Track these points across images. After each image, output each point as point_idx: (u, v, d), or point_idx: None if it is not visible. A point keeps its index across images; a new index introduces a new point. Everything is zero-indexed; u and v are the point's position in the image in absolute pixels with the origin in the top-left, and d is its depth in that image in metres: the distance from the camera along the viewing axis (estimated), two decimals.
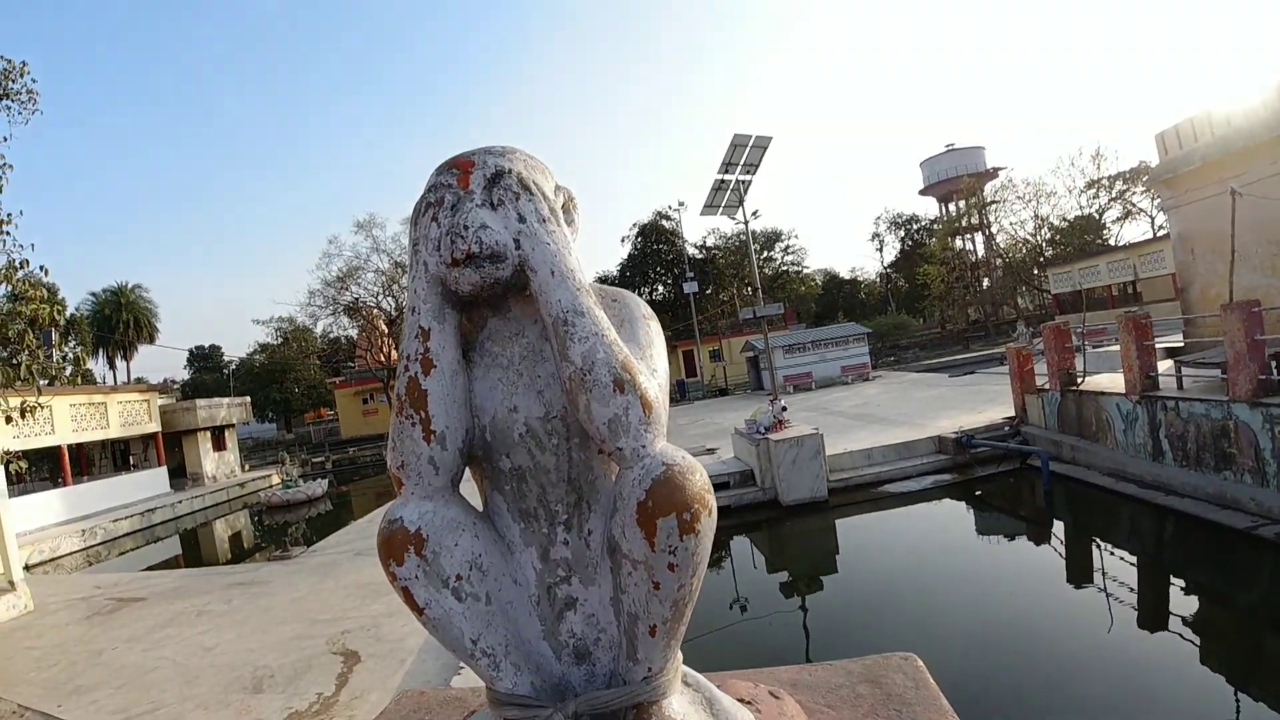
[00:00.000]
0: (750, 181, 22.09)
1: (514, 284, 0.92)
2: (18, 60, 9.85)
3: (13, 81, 9.59)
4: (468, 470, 1.18)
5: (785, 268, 64.97)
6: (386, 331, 47.00)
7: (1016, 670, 7.04)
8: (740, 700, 0.92)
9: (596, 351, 0.78)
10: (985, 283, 55.66)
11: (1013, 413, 16.09)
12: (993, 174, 59.22)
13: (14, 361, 8.19)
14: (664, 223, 58.67)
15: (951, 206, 61.91)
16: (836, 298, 67.20)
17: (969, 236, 56.89)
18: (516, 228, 0.84)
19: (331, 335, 52.91)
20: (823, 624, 9.24)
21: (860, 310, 62.63)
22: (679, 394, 43.34)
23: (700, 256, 59.06)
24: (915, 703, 0.89)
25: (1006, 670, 7.06)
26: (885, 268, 68.59)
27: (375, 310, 46.88)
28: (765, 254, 64.63)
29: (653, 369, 0.82)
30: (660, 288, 61.68)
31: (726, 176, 22.10)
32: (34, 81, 9.80)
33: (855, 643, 8.17)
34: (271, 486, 30.19)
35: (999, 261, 52.38)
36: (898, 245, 67.24)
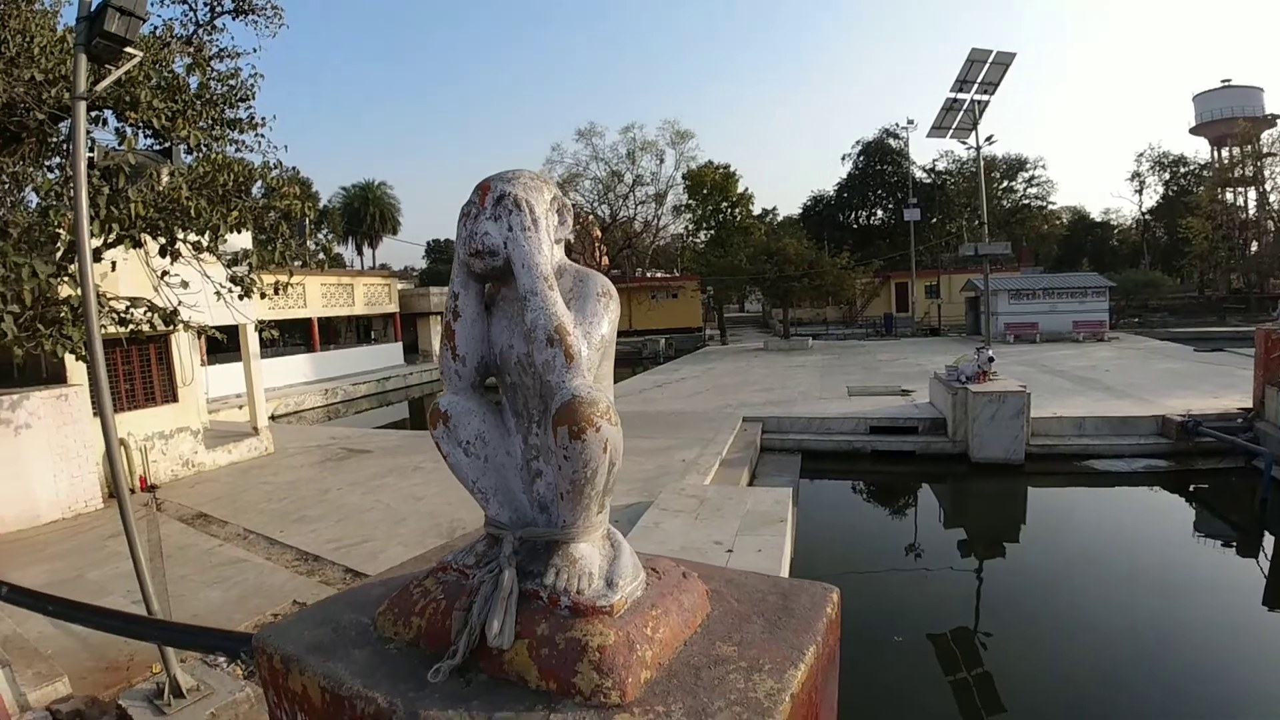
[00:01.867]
0: (987, 102, 19.92)
1: (507, 270, 1.27)
2: None
3: None
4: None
5: (1027, 201, 58.74)
6: (599, 238, 48.65)
7: (1189, 692, 6.24)
8: (651, 569, 0.98)
9: (539, 319, 1.12)
10: (1254, 247, 46.58)
11: (1250, 404, 13.60)
12: (1271, 120, 48.98)
13: (269, 247, 9.43)
14: (890, 142, 54.90)
15: (1224, 152, 52.13)
16: (1083, 241, 59.38)
17: (1241, 191, 47.52)
18: (505, 235, 1.17)
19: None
20: (988, 590, 8.63)
21: (1108, 259, 54.80)
22: (884, 328, 41.33)
23: (927, 181, 54.77)
24: (798, 617, 0.87)
25: (1176, 688, 6.30)
26: (1143, 214, 59.43)
27: (591, 217, 48.64)
28: (1005, 184, 58.71)
29: (588, 333, 1.13)
30: (880, 212, 58.42)
31: (960, 95, 20.02)
32: None
33: (1009, 619, 7.68)
34: None
35: (1270, 224, 43.58)
36: (1160, 189, 57.24)
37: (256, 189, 9.60)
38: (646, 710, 0.65)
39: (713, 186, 41.63)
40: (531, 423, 1.38)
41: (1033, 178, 57.23)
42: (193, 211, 7.52)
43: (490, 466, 1.03)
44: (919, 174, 54.15)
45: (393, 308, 34.23)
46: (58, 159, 9.02)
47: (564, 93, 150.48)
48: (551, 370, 0.99)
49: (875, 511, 12.69)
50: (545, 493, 1.19)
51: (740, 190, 42.42)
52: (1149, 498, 12.00)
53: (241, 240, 10.32)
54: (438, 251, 74.84)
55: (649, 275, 54.11)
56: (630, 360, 38.04)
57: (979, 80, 19.64)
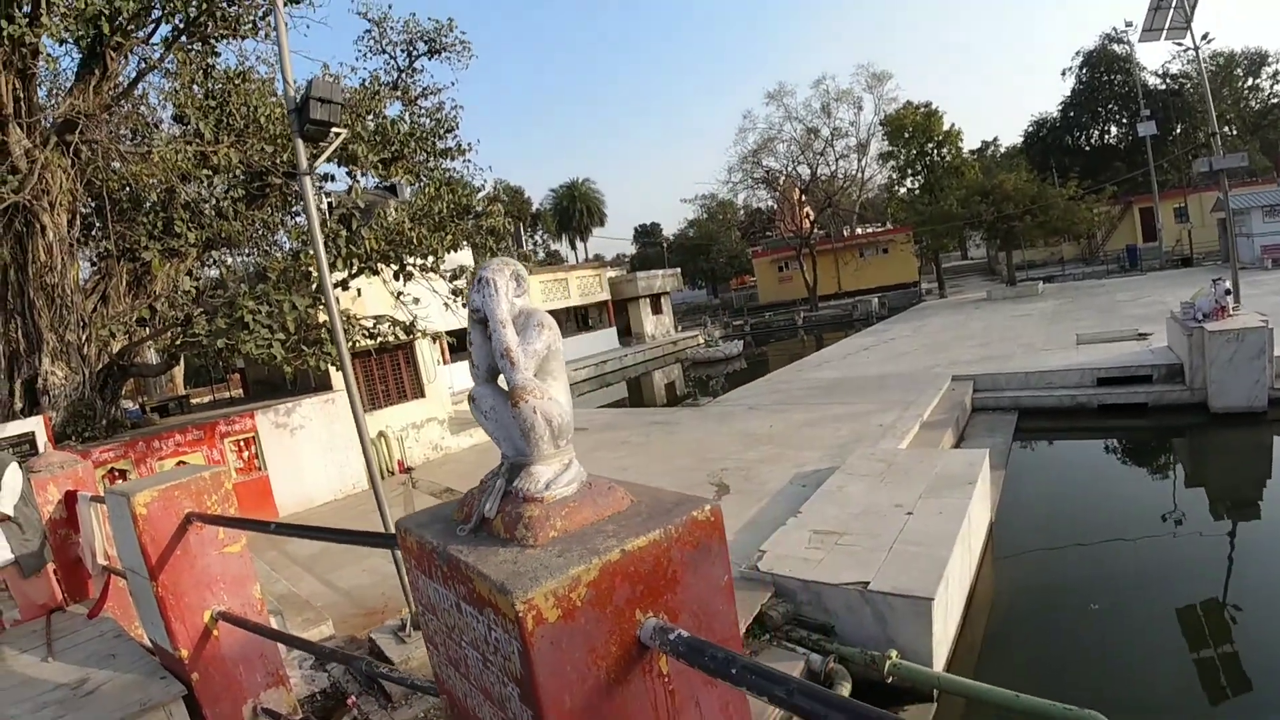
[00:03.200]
0: None
1: (485, 318, 1.63)
2: (444, 18, 12.22)
3: (445, 37, 11.96)
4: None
5: (1277, 99, 48.97)
6: (801, 200, 47.70)
7: None
8: (589, 484, 1.41)
9: (498, 345, 1.44)
10: None
11: None
12: None
13: (485, 258, 10.81)
14: (1114, 48, 48.11)
15: None
16: None
17: None
18: (482, 301, 1.50)
19: (753, 206, 55.23)
20: (1234, 555, 7.61)
21: None
22: (1128, 262, 36.61)
23: (1163, 88, 47.38)
24: (670, 516, 1.20)
25: None
26: None
27: (789, 178, 47.79)
28: (1249, 81, 49.40)
29: (525, 348, 1.47)
30: (1113, 129, 51.63)
31: None
32: (463, 34, 12.10)
33: (1258, 588, 6.75)
34: (696, 346, 34.11)
35: None
36: None
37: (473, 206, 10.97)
38: (540, 548, 1.14)
39: (915, 128, 39.08)
40: None
41: (1277, 73, 47.45)
42: (415, 240, 8.87)
43: (499, 425, 1.46)
44: (1153, 81, 46.89)
45: (604, 296, 36.24)
46: (300, 206, 10.98)
47: (748, 59, 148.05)
48: (505, 371, 1.39)
49: (1102, 471, 11.40)
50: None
51: (946, 128, 39.38)
52: None
53: (462, 256, 11.74)
54: (645, 236, 77.46)
55: (857, 232, 51.99)
56: (841, 324, 37.14)
57: None
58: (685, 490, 1.36)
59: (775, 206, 51.17)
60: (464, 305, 10.22)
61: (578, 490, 1.32)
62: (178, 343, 8.48)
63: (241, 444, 10.92)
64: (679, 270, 45.40)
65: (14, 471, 4.04)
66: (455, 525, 1.37)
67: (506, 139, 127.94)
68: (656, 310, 39.81)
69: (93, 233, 9.55)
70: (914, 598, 5.05)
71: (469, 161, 13.57)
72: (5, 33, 7.34)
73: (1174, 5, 17.71)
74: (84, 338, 8.51)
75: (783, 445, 10.69)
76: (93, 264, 10.20)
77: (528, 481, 1.31)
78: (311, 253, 7.31)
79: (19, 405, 8.97)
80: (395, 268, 9.06)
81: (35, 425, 8.31)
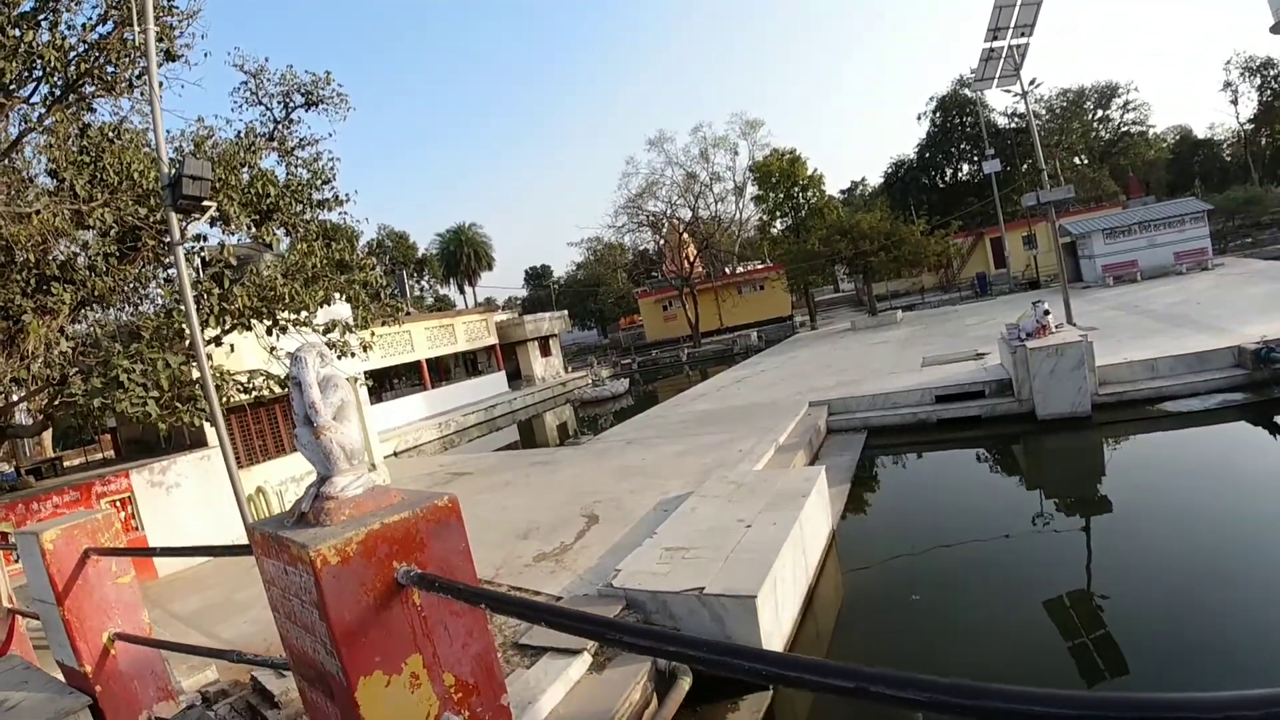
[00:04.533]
0: (1026, 45, 19.40)
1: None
2: (321, 72, 12.62)
3: (322, 89, 12.37)
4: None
5: (1126, 128, 55.37)
6: (684, 239, 49.63)
7: None
8: (373, 490, 2.02)
9: (307, 400, 1.94)
10: None
11: None
12: None
13: (359, 312, 11.16)
14: (965, 92, 53.16)
15: None
16: (1190, 163, 55.49)
17: None
18: (297, 371, 1.98)
19: (641, 248, 56.78)
20: (1070, 549, 8.29)
21: (1218, 178, 51.16)
22: (979, 289, 40.17)
23: (1011, 126, 52.61)
24: (413, 503, 1.88)
25: None
26: (1242, 125, 54.55)
27: (673, 221, 49.75)
28: (1098, 113, 55.65)
29: (326, 400, 1.98)
30: (965, 166, 56.54)
31: (995, 44, 19.51)
32: (340, 86, 12.53)
33: (1104, 576, 7.37)
34: (584, 386, 34.83)
35: None
36: (1255, 96, 52.89)
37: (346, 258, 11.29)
38: (334, 526, 1.80)
39: (781, 174, 41.83)
40: None
41: (1127, 103, 54.01)
42: (287, 296, 9.19)
43: (312, 452, 1.94)
44: (1001, 120, 52.04)
45: (492, 340, 36.53)
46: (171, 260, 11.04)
47: (630, 105, 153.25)
48: (313, 416, 1.96)
49: (940, 478, 12.63)
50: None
51: (810, 172, 42.36)
52: (1230, 433, 11.36)
53: (336, 310, 12.00)
54: (536, 278, 78.07)
55: (737, 270, 54.52)
56: (723, 358, 38.79)
57: (1011, 25, 19.00)
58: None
59: (659, 248, 53.07)
60: (339, 357, 10.55)
61: (364, 492, 1.98)
62: (55, 403, 8.42)
63: (118, 504, 10.75)
64: (565, 312, 46.33)
65: None
66: (285, 521, 2.00)
67: (390, 185, 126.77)
68: (545, 353, 40.36)
69: None
70: (740, 597, 5.87)
71: (345, 213, 13.86)
72: None
73: (1003, 56, 19.65)
74: None
75: (653, 476, 11.50)
76: None
77: (329, 487, 1.96)
78: (184, 310, 7.58)
79: None
80: (268, 323, 9.34)
81: None
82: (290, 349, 10.36)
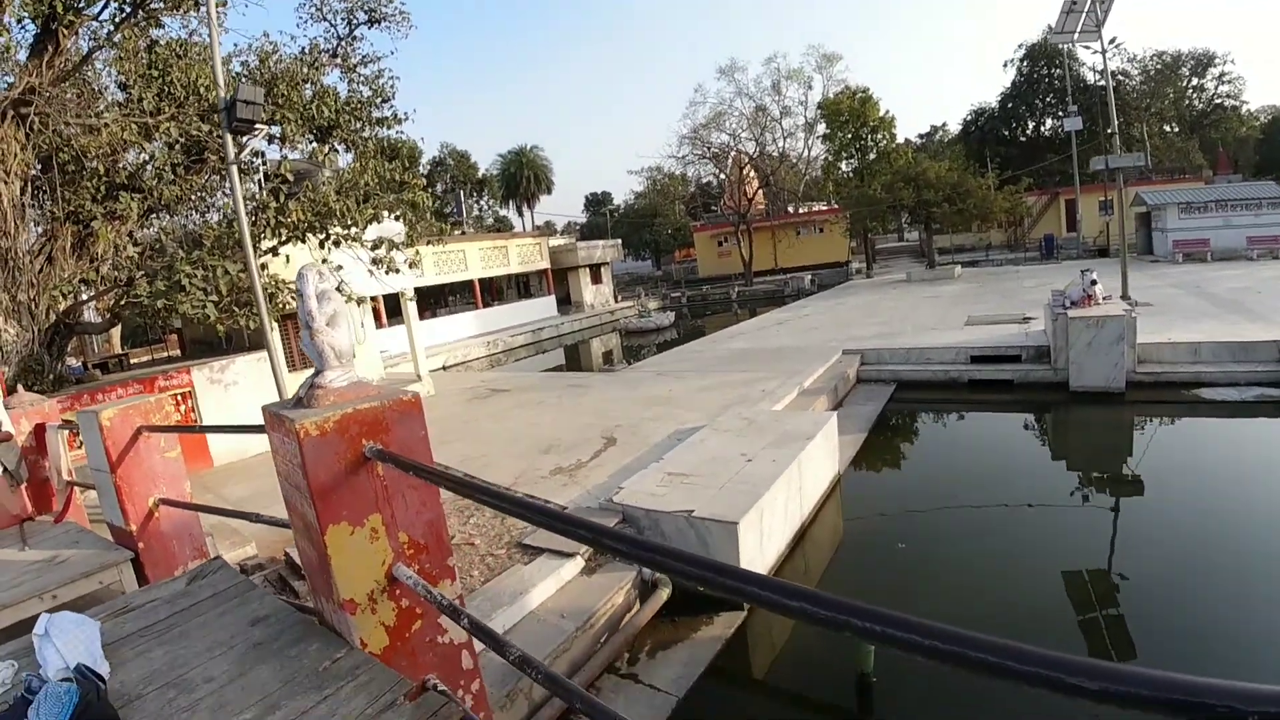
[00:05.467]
0: (1110, 1, 18.47)
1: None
2: None
3: (384, 6, 12.67)
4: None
5: (1219, 100, 51.85)
6: (749, 175, 48.77)
7: None
8: (359, 383, 2.48)
9: (306, 310, 2.32)
10: None
11: None
12: None
13: (410, 230, 11.70)
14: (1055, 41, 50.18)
15: None
16: None
17: None
18: (300, 286, 2.34)
19: (703, 180, 56.03)
20: (1086, 524, 8.12)
21: None
22: (1045, 251, 38.90)
23: (1100, 83, 49.64)
24: (385, 397, 2.28)
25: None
26: None
27: (739, 152, 48.87)
28: (1193, 81, 52.21)
29: (321, 310, 2.36)
30: (1048, 121, 53.86)
31: None
32: (402, 3, 12.80)
33: (1111, 554, 7.30)
34: (630, 317, 35.37)
35: None
36: None
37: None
38: (321, 408, 2.30)
39: (850, 114, 40.60)
40: None
41: (1223, 74, 50.43)
42: (339, 212, 9.79)
43: (311, 351, 2.40)
44: (1090, 76, 49.17)
45: (544, 264, 37.15)
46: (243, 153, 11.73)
47: (702, 34, 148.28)
48: (310, 322, 2.40)
49: (962, 440, 12.67)
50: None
51: (881, 114, 41.00)
52: (1265, 428, 11.06)
53: (389, 226, 12.56)
54: (596, 205, 77.93)
55: (799, 210, 53.53)
56: (773, 299, 38.67)
57: None
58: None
59: (723, 180, 52.27)
60: (386, 273, 11.19)
61: (347, 385, 2.47)
62: (121, 303, 9.29)
63: (179, 398, 11.76)
64: (619, 241, 46.49)
65: None
66: (288, 404, 2.52)
67: (453, 105, 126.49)
68: (596, 280, 40.82)
69: (40, 197, 10.21)
70: (724, 522, 6.38)
71: (401, 131, 14.33)
72: None
73: (1085, 9, 18.61)
74: (33, 297, 9.25)
75: (675, 406, 12.01)
76: (36, 224, 10.85)
77: (320, 379, 2.45)
78: (247, 221, 8.21)
79: None
80: (320, 237, 9.98)
81: None
82: (341, 261, 11.06)
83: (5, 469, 5.03)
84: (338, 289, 9.44)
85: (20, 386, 9.14)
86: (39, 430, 5.41)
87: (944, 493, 9.43)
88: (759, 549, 6.76)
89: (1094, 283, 13.71)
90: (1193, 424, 11.78)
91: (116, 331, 20.07)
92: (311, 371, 2.54)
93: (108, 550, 4.16)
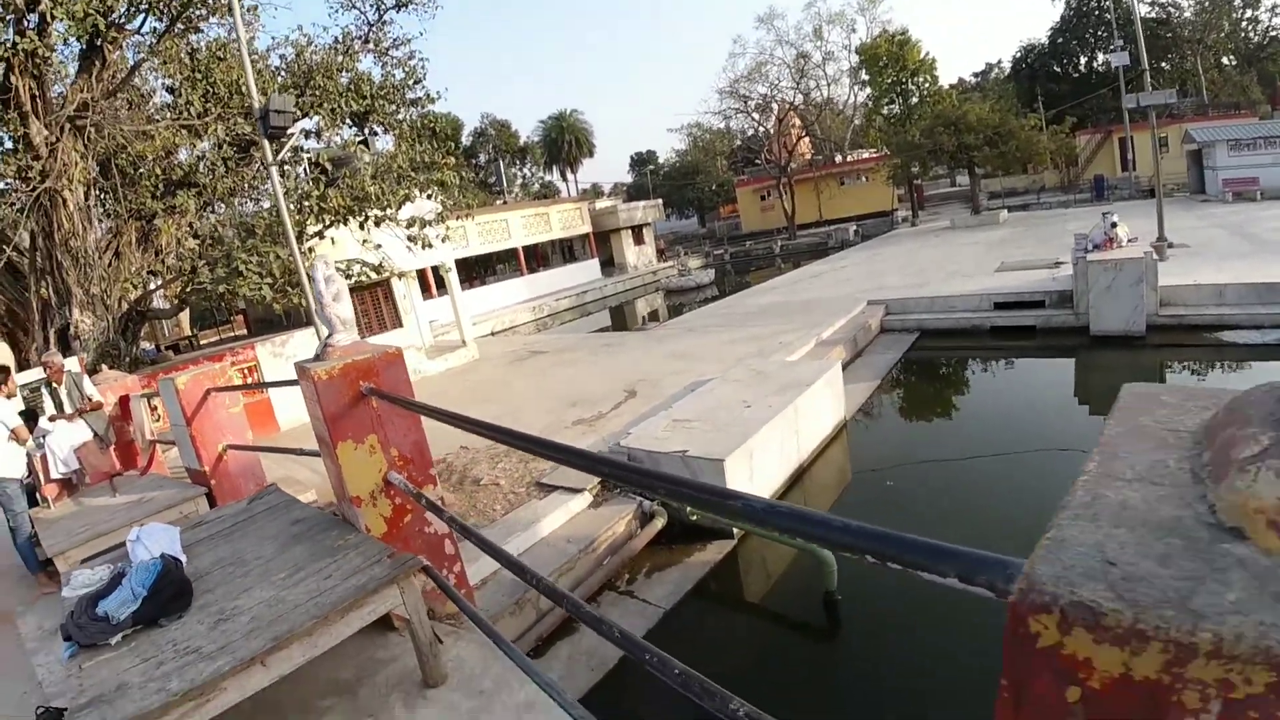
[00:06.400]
0: None
1: None
2: None
3: None
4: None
5: (1275, 32, 48.91)
6: (797, 125, 48.06)
7: None
8: (358, 341, 3.29)
9: (317, 293, 3.10)
10: None
11: None
12: None
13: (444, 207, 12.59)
14: None
15: None
16: None
17: None
18: (314, 274, 3.08)
19: (747, 132, 55.37)
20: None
21: None
22: (1096, 192, 37.79)
23: (1153, 16, 47.40)
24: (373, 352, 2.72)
25: None
26: None
27: (783, 102, 48.22)
28: (1248, 12, 49.27)
29: (330, 291, 3.04)
30: (1100, 55, 51.59)
31: None
32: None
33: None
34: (671, 276, 35.98)
35: None
36: None
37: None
38: (328, 361, 3.14)
39: (889, 58, 39.84)
40: None
41: (1276, 5, 47.36)
42: (374, 195, 10.74)
43: (323, 321, 3.24)
44: (1143, 9, 46.75)
45: (585, 228, 37.88)
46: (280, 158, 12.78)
47: None
48: (320, 300, 3.21)
49: (978, 385, 12.86)
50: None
51: (921, 56, 40.12)
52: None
53: (419, 207, 13.44)
54: (641, 164, 77.81)
55: (847, 159, 52.68)
56: (816, 251, 38.57)
57: None
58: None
59: (765, 131, 51.74)
60: (422, 248, 12.17)
61: (350, 344, 3.31)
62: (187, 290, 10.46)
63: (246, 371, 13.02)
64: (660, 202, 46.76)
65: (88, 381, 6.19)
66: (310, 359, 3.38)
67: (494, 77, 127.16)
68: (639, 241, 41.40)
69: (103, 197, 11.40)
70: (711, 459, 7.15)
71: (432, 109, 15.17)
72: (20, 46, 9.02)
73: None
74: (105, 289, 10.48)
75: (696, 360, 12.75)
76: (101, 221, 12.10)
77: (331, 339, 3.30)
78: (290, 210, 9.19)
79: (50, 350, 11.02)
80: (360, 219, 10.97)
81: (72, 364, 10.41)
82: (380, 240, 12.06)
83: (96, 434, 6.12)
84: (379, 266, 10.52)
85: (104, 366, 10.48)
86: (124, 401, 6.52)
87: (951, 435, 9.90)
88: (749, 484, 7.52)
89: (1114, 225, 13.65)
90: (1212, 367, 11.76)
91: (185, 315, 21.72)
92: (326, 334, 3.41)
93: (186, 489, 5.20)
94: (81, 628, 2.46)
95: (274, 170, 7.14)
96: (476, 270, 33.90)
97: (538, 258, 36.91)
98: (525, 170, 62.93)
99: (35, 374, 9.19)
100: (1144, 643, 0.65)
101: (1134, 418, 1.04)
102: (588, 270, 37.34)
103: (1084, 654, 0.69)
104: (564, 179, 64.72)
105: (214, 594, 2.82)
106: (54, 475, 5.76)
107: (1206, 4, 46.62)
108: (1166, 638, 0.64)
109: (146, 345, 17.29)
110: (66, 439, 5.91)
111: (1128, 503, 0.83)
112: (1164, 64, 45.95)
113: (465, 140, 56.38)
